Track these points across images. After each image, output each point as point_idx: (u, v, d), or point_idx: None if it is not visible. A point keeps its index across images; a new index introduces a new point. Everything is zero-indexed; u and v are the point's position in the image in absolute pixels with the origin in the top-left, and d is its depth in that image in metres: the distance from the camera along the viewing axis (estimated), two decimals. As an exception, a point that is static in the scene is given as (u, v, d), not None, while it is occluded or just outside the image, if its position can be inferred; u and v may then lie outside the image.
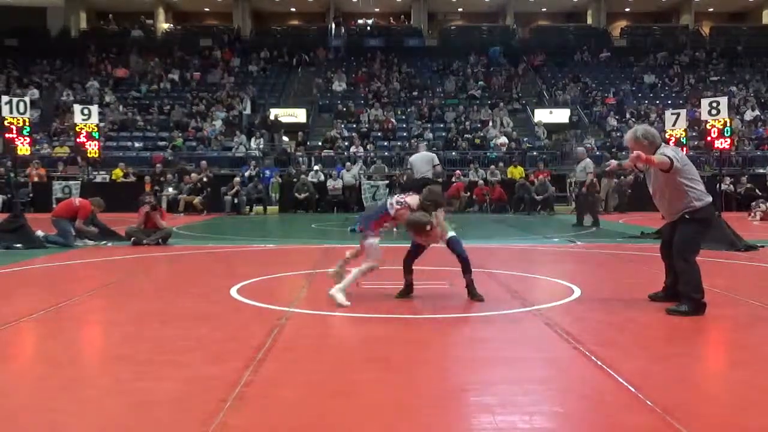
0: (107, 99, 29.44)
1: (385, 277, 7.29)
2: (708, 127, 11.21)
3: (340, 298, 6.05)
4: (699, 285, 5.69)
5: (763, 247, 10.57)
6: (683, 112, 13.13)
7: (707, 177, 22.60)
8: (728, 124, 11.09)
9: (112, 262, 9.59)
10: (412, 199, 6.20)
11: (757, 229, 14.71)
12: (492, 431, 3.16)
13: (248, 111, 29.10)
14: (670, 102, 30.16)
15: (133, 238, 11.40)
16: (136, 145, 26.84)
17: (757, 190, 21.17)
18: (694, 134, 22.02)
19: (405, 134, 27.94)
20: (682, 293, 5.75)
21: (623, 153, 25.37)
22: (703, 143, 17.31)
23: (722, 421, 3.27)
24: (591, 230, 14.58)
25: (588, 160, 15.91)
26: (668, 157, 5.63)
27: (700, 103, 12.45)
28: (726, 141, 11.06)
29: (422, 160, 14.37)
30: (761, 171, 23.75)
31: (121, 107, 29.03)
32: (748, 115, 29.49)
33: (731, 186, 21.81)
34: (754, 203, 18.79)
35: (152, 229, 11.62)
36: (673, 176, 5.68)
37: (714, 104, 11.16)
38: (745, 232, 11.35)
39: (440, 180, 16.49)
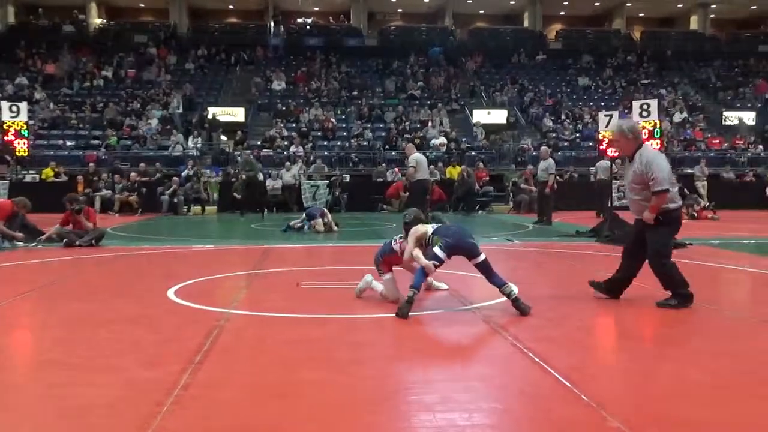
0: (37, 96, 28.49)
1: (325, 277, 7.28)
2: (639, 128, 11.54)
3: (369, 279, 6.35)
4: (682, 281, 5.86)
5: (691, 244, 10.95)
6: (616, 113, 13.47)
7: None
8: (658, 126, 11.44)
9: (43, 264, 9.29)
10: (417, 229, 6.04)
11: (686, 227, 15.19)
12: (432, 429, 3.19)
13: (180, 110, 28.48)
14: (603, 104, 30.94)
15: (65, 240, 11.05)
16: (68, 143, 26.05)
17: (685, 190, 21.90)
18: (626, 135, 22.61)
19: (345, 134, 27.92)
20: (670, 290, 5.92)
21: (558, 154, 25.95)
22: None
23: (654, 413, 3.37)
24: (528, 229, 14.86)
25: (550, 160, 16.14)
26: (663, 189, 5.74)
27: (631, 105, 12.79)
28: (656, 142, 11.38)
29: (425, 161, 14.22)
30: (689, 171, 24.60)
31: (51, 104, 28.15)
32: (677, 117, 30.52)
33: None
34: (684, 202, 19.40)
35: (83, 231, 11.29)
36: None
37: (645, 106, 11.50)
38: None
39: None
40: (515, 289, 5.71)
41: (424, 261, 5.69)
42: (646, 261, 6.09)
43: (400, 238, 6.22)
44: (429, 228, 5.93)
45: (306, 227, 13.89)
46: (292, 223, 14.22)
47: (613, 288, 6.27)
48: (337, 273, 8.32)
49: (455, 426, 3.20)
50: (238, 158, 22.10)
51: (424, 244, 5.87)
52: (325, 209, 14.99)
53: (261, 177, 20.60)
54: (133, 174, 21.07)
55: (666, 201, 5.81)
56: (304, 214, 14.43)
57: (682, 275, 5.90)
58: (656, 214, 5.83)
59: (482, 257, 5.72)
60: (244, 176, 19.22)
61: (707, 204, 19.57)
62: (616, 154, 6.47)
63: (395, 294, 6.10)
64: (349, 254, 10.74)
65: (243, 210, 19.22)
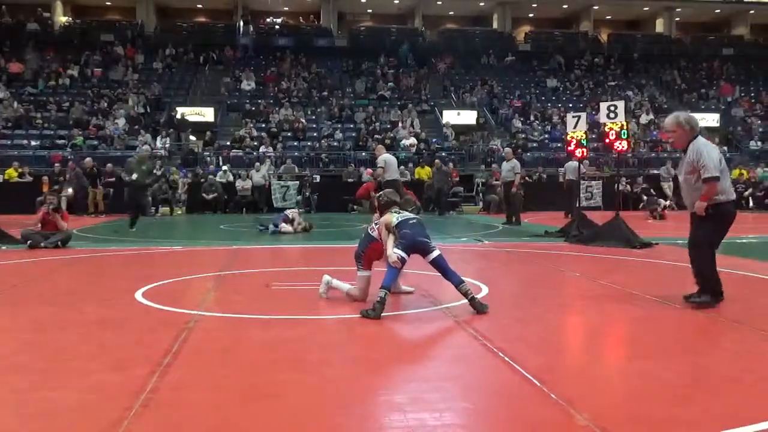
0: (0, 95, 27.96)
1: (296, 278, 7.26)
2: (606, 129, 11.64)
3: (327, 279, 6.29)
4: (715, 278, 5.85)
5: (657, 244, 11.12)
6: (583, 115, 13.58)
7: (605, 178, 23.70)
8: (625, 127, 11.56)
9: (7, 266, 9.11)
10: (386, 217, 6.09)
11: (651, 226, 15.45)
12: (403, 429, 3.19)
13: (136, 110, 27.97)
14: (571, 105, 31.25)
15: (29, 241, 10.85)
16: (33, 143, 25.62)
17: (651, 190, 22.27)
18: (593, 136, 22.93)
19: (315, 134, 27.86)
20: (701, 285, 5.88)
21: (528, 155, 26.19)
22: (602, 145, 18.05)
23: (623, 412, 3.42)
24: (497, 229, 14.95)
25: (515, 160, 16.30)
26: (714, 176, 5.66)
27: (599, 106, 12.93)
28: (623, 143, 11.51)
29: (395, 162, 14.27)
30: (655, 172, 24.98)
31: (15, 103, 27.65)
32: (643, 119, 30.96)
33: (628, 186, 22.84)
34: (642, 204, 19.93)
35: (50, 232, 11.10)
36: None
37: (612, 108, 11.61)
38: (640, 230, 11.90)
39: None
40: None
41: (389, 251, 5.77)
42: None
43: (376, 224, 6.25)
44: (394, 218, 5.94)
45: (270, 231, 13.78)
46: (263, 224, 14.18)
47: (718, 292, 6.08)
48: (308, 274, 8.29)
49: (426, 426, 3.21)
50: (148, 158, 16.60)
51: (391, 233, 5.93)
52: (289, 214, 14.52)
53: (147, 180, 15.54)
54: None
55: (716, 191, 5.72)
56: (272, 223, 14.25)
57: (716, 272, 5.86)
58: (707, 204, 5.70)
59: (436, 254, 5.82)
60: (134, 176, 14.54)
61: (669, 203, 19.95)
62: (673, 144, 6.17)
63: (364, 293, 6.11)
64: (320, 255, 10.71)
65: (133, 219, 14.63)
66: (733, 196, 5.95)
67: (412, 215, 6.05)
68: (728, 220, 5.94)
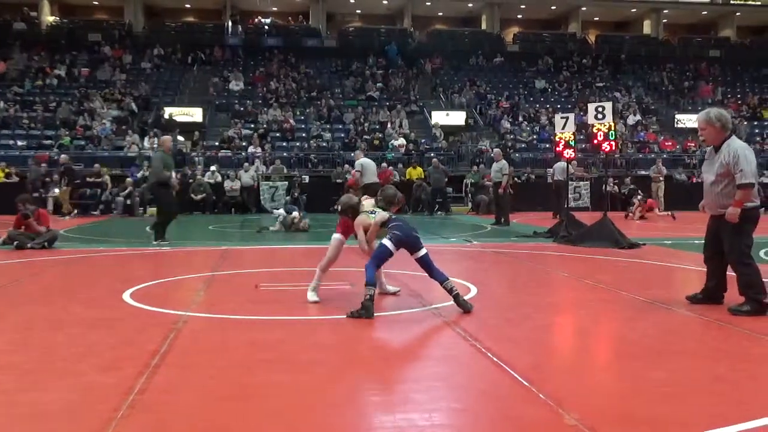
0: (-14, 95, 27.79)
1: (284, 279, 7.23)
2: (594, 130, 11.69)
3: (312, 296, 6.24)
4: (761, 286, 5.60)
5: (644, 244, 11.18)
6: (572, 116, 13.63)
7: (593, 178, 23.80)
8: (613, 128, 11.61)
9: (-6, 267, 9.05)
10: (367, 202, 6.21)
11: (639, 227, 15.53)
12: (392, 430, 3.19)
13: (103, 108, 27.78)
14: (559, 106, 31.33)
15: (16, 242, 10.78)
16: (20, 143, 25.45)
17: (639, 191, 22.33)
18: (581, 137, 23.00)
19: (304, 135, 27.81)
20: (745, 295, 5.67)
21: (516, 155, 26.26)
22: (590, 146, 18.14)
23: (611, 411, 3.43)
24: (486, 229, 14.99)
25: (504, 161, 16.36)
26: (750, 183, 5.52)
27: (587, 107, 12.98)
28: (611, 144, 11.55)
29: (372, 166, 14.42)
30: (643, 173, 25.08)
31: (2, 103, 27.45)
32: (631, 120, 31.11)
33: (615, 187, 22.93)
34: (629, 207, 20.11)
35: (34, 233, 11.02)
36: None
37: (600, 109, 11.66)
38: (628, 231, 11.96)
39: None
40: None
41: (363, 245, 5.94)
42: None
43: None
44: (370, 218, 5.96)
45: (279, 220, 14.22)
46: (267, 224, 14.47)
47: (711, 296, 6.01)
48: (296, 275, 8.28)
49: (415, 426, 3.22)
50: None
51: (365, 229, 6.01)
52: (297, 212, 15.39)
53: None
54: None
55: (750, 197, 5.57)
56: (281, 209, 14.84)
57: (761, 281, 5.61)
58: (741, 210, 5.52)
59: (423, 252, 5.89)
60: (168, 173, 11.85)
61: (640, 201, 19.83)
62: (703, 141, 5.99)
63: (334, 250, 6.34)
64: (309, 256, 10.68)
65: (158, 227, 11.98)
66: (758, 201, 5.74)
67: (390, 213, 6.05)
68: (755, 223, 5.78)
